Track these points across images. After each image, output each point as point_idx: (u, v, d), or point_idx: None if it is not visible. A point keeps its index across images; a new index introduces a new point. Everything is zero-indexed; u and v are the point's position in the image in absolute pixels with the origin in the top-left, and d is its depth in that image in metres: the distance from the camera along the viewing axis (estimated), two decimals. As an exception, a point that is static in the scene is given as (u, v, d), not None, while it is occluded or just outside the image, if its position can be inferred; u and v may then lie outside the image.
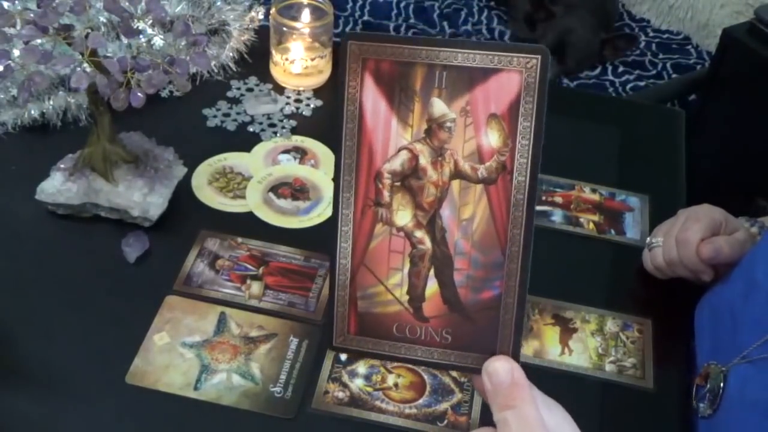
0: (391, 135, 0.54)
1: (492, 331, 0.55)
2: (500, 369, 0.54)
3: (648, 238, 0.98)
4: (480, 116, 0.53)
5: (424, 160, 0.54)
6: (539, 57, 0.52)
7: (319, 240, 1.00)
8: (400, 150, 0.54)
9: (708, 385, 0.83)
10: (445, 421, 0.84)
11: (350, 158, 0.55)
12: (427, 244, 0.56)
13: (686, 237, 0.91)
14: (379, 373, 0.87)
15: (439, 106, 0.53)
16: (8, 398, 0.82)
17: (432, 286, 0.56)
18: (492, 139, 0.53)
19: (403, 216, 0.55)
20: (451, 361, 0.56)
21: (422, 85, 0.53)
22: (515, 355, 0.55)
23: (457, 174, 0.54)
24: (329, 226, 0.57)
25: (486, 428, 0.54)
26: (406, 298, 0.56)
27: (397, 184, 0.55)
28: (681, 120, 1.26)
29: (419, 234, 0.56)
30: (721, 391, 0.81)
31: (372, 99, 0.54)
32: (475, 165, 0.54)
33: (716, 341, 0.88)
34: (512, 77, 0.52)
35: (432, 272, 0.56)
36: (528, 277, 0.55)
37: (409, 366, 0.88)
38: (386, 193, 0.55)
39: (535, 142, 0.53)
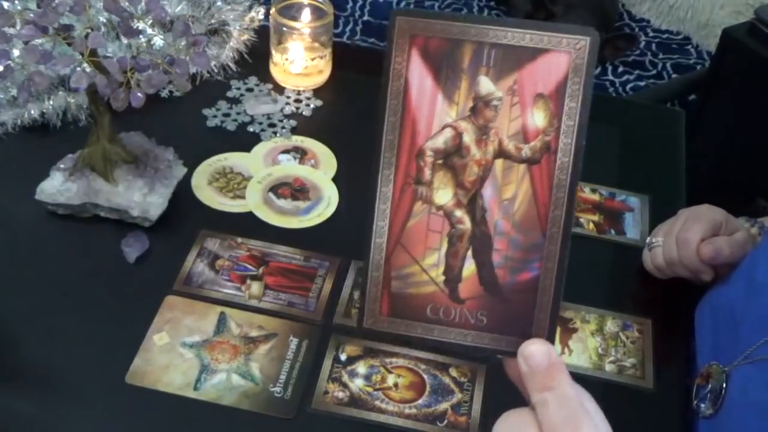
0: (435, 112, 0.54)
1: (528, 314, 0.55)
2: (537, 352, 0.53)
3: (648, 238, 0.98)
4: (527, 96, 0.53)
5: (468, 138, 0.54)
6: (588, 39, 0.52)
7: (319, 240, 1.00)
8: (444, 127, 0.54)
9: (709, 386, 0.83)
10: (445, 421, 0.84)
11: (392, 135, 0.55)
12: (467, 223, 0.55)
13: (687, 237, 0.91)
14: (379, 373, 0.87)
15: (486, 85, 0.53)
16: (8, 398, 0.82)
17: (469, 267, 0.55)
18: (538, 119, 0.53)
19: (444, 195, 0.55)
20: (485, 344, 0.56)
21: (470, 63, 0.53)
22: (551, 338, 0.55)
23: (501, 153, 0.54)
24: (368, 202, 0.56)
25: (520, 409, 0.54)
26: (441, 278, 0.56)
27: (439, 162, 0.54)
28: (681, 120, 1.26)
29: (459, 213, 0.55)
30: (723, 391, 0.81)
31: (418, 75, 0.53)
32: (520, 144, 0.54)
33: (717, 341, 0.88)
34: (561, 58, 0.52)
35: (470, 252, 0.55)
36: (567, 259, 0.54)
37: (409, 366, 0.88)
38: (427, 171, 0.55)
39: (580, 123, 0.53)
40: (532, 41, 0.52)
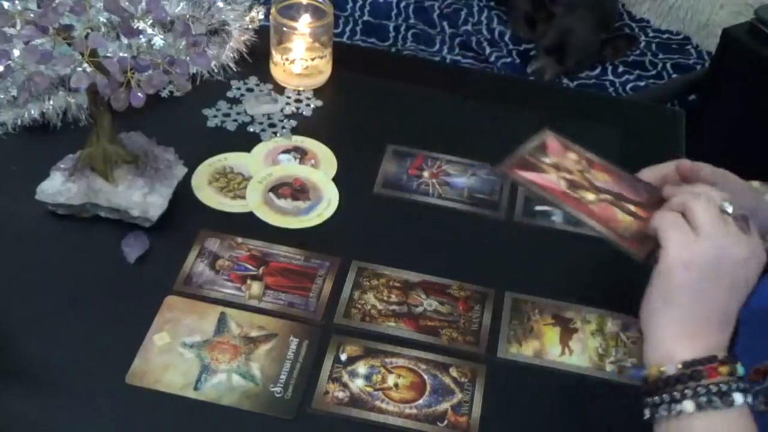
0: None
1: None
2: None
3: None
4: None
5: None
6: None
7: (319, 240, 1.00)
8: None
9: (765, 383, 0.83)
10: (445, 421, 0.84)
11: None
12: None
13: None
14: (379, 373, 0.87)
15: None
16: (8, 398, 0.82)
17: None
18: None
19: None
20: None
21: None
22: None
23: None
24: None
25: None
26: None
27: None
28: (681, 120, 1.26)
29: None
30: None
31: None
32: None
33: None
34: None
35: None
36: None
37: (410, 366, 0.88)
38: None
39: None
40: None
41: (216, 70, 1.18)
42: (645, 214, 0.82)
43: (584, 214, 0.83)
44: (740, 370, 0.72)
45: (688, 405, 0.71)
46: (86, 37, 0.85)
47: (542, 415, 0.86)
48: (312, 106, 1.18)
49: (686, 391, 0.71)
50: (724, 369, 0.71)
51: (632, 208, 0.84)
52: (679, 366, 0.72)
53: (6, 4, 0.97)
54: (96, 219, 0.98)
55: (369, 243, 1.01)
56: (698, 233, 0.73)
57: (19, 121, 1.07)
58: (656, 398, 0.73)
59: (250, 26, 1.20)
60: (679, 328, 0.74)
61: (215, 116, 1.15)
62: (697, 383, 0.71)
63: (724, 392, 0.70)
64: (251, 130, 1.13)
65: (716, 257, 0.73)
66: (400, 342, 0.90)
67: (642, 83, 1.99)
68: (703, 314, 0.74)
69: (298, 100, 1.18)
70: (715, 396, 0.70)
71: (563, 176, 0.86)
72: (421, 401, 0.85)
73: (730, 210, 0.75)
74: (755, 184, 0.92)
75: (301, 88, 1.20)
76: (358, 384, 0.86)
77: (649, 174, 0.86)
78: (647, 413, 0.74)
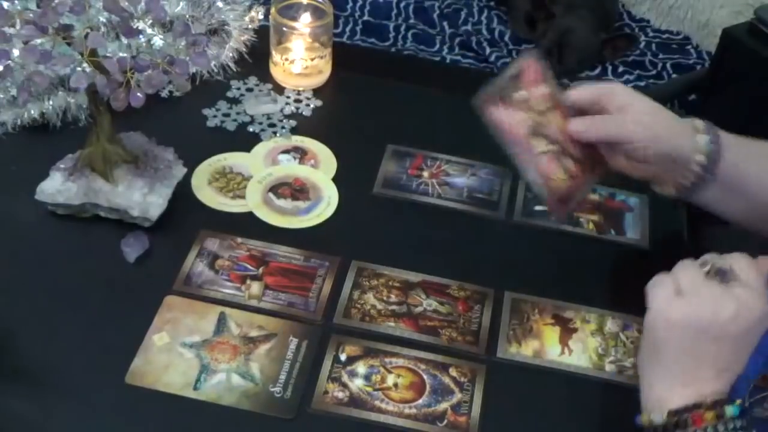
0: None
1: None
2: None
3: None
4: None
5: None
6: None
7: (319, 240, 1.00)
8: None
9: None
10: (445, 421, 0.84)
11: None
12: None
13: None
14: (378, 373, 0.87)
15: None
16: (8, 398, 0.82)
17: None
18: None
19: None
20: None
21: None
22: None
23: None
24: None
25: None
26: None
27: None
28: (681, 120, 1.25)
29: None
30: None
31: None
32: None
33: None
34: None
35: None
36: None
37: (409, 366, 0.88)
38: None
39: None
40: None
41: (216, 70, 1.18)
42: (580, 173, 0.90)
43: (531, 168, 0.90)
44: (730, 411, 0.72)
45: None
46: (86, 36, 0.85)
47: (542, 415, 0.86)
48: (312, 106, 1.18)
49: None
50: (709, 415, 0.72)
51: (571, 165, 0.90)
52: (665, 415, 0.73)
53: (6, 4, 0.97)
54: (96, 219, 0.98)
55: (369, 243, 1.01)
56: (680, 294, 0.75)
57: (19, 121, 1.07)
58: None
59: (249, 26, 1.20)
60: (669, 378, 0.75)
61: (215, 116, 1.15)
62: (684, 431, 0.72)
63: None
64: (251, 130, 1.13)
65: (697, 317, 0.74)
66: (400, 342, 0.90)
67: (642, 83, 1.99)
68: (691, 366, 0.74)
69: (297, 100, 1.19)
70: None
71: (528, 117, 0.90)
72: (420, 401, 0.85)
73: (706, 268, 0.76)
74: (698, 122, 0.91)
75: (300, 88, 1.20)
76: (357, 384, 0.86)
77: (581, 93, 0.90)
78: None
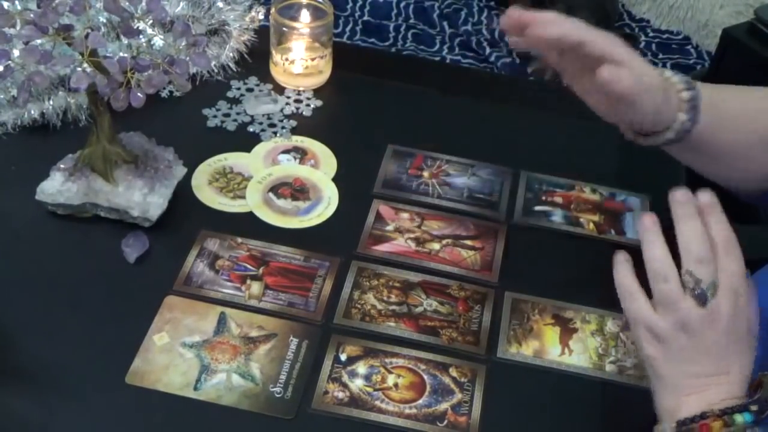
0: None
1: None
2: None
3: None
4: None
5: None
6: None
7: (319, 240, 1.00)
8: None
9: (758, 395, 0.82)
10: (445, 421, 0.84)
11: None
12: None
13: None
14: (378, 373, 0.87)
15: None
16: (8, 398, 0.82)
17: None
18: None
19: None
20: None
21: None
22: None
23: None
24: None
25: None
26: None
27: None
28: (681, 120, 1.25)
29: None
30: None
31: None
32: None
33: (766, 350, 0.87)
34: None
35: None
36: None
37: (409, 366, 0.88)
38: None
39: None
40: None
41: (216, 70, 1.18)
42: (480, 244, 1.01)
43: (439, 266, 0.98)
44: (741, 418, 0.72)
45: None
46: (86, 37, 0.85)
47: (542, 415, 0.86)
48: (312, 106, 1.18)
49: None
50: (716, 424, 0.72)
51: (469, 243, 1.01)
52: (674, 426, 0.73)
53: (6, 4, 0.97)
54: (96, 219, 0.98)
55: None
56: (658, 341, 0.75)
57: (19, 121, 1.08)
58: None
59: (250, 26, 1.20)
60: (671, 392, 0.75)
61: (215, 116, 1.15)
62: None
63: None
64: (251, 130, 1.13)
65: (679, 350, 0.74)
66: (400, 342, 0.90)
67: (642, 83, 1.99)
68: (688, 377, 0.74)
69: (297, 100, 1.19)
70: None
71: (408, 237, 1.00)
72: (420, 401, 0.85)
73: (690, 285, 0.75)
74: (668, 73, 0.91)
75: (301, 88, 1.20)
76: (357, 384, 0.86)
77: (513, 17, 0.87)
78: None
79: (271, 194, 1.05)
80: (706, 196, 0.76)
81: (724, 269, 0.74)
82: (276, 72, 1.20)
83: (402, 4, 2.19)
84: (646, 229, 0.78)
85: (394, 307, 0.93)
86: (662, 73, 0.90)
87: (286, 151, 1.11)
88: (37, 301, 0.91)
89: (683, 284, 0.74)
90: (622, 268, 0.79)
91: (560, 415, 0.87)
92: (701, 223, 0.75)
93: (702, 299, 0.74)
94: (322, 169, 1.09)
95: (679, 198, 0.76)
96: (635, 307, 0.77)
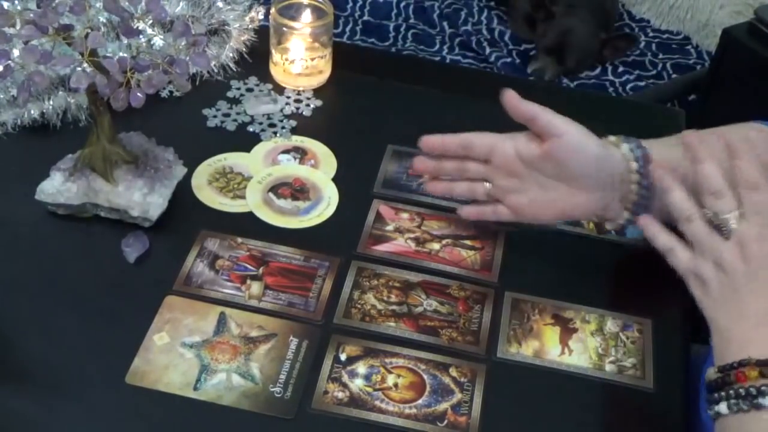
0: None
1: None
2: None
3: None
4: None
5: None
6: None
7: (319, 240, 1.00)
8: None
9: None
10: (445, 421, 0.84)
11: None
12: None
13: None
14: (378, 373, 0.87)
15: None
16: (7, 398, 0.82)
17: None
18: None
19: None
20: None
21: None
22: None
23: None
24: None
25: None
26: None
27: None
28: (681, 120, 1.26)
29: None
30: None
31: None
32: None
33: None
34: None
35: None
36: None
37: (409, 366, 0.88)
38: None
39: None
40: None
41: (216, 70, 1.18)
42: (480, 244, 1.01)
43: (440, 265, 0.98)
44: None
45: (723, 407, 0.73)
46: (86, 37, 0.85)
47: (542, 415, 0.86)
48: (312, 106, 1.18)
49: (721, 393, 0.74)
50: (753, 373, 0.73)
51: (469, 243, 1.01)
52: (715, 370, 0.75)
53: (6, 4, 0.97)
54: (96, 219, 0.98)
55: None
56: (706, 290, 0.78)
57: (19, 121, 1.07)
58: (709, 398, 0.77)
59: (249, 26, 1.20)
60: (720, 334, 0.77)
61: (215, 116, 1.15)
62: (730, 387, 0.73)
63: (753, 395, 0.72)
64: (251, 130, 1.13)
65: (720, 288, 0.77)
66: (400, 342, 0.90)
67: (642, 83, 1.99)
68: (736, 320, 0.76)
69: (297, 100, 1.19)
70: (743, 399, 0.72)
71: (408, 237, 1.00)
72: (420, 401, 0.85)
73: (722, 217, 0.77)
74: (612, 138, 0.94)
75: (300, 88, 1.20)
76: (357, 384, 0.86)
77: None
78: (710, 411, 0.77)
79: (271, 194, 1.05)
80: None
81: (747, 198, 0.76)
82: (276, 72, 1.20)
83: (402, 4, 2.19)
84: (662, 176, 0.82)
85: (394, 307, 0.93)
86: (611, 142, 0.93)
87: (286, 151, 1.11)
88: (37, 301, 0.91)
89: (707, 221, 0.77)
90: (654, 230, 0.83)
91: (560, 415, 0.87)
92: (716, 163, 0.78)
93: (724, 230, 0.75)
94: (322, 169, 1.09)
95: (690, 141, 0.80)
96: (677, 259, 0.80)
